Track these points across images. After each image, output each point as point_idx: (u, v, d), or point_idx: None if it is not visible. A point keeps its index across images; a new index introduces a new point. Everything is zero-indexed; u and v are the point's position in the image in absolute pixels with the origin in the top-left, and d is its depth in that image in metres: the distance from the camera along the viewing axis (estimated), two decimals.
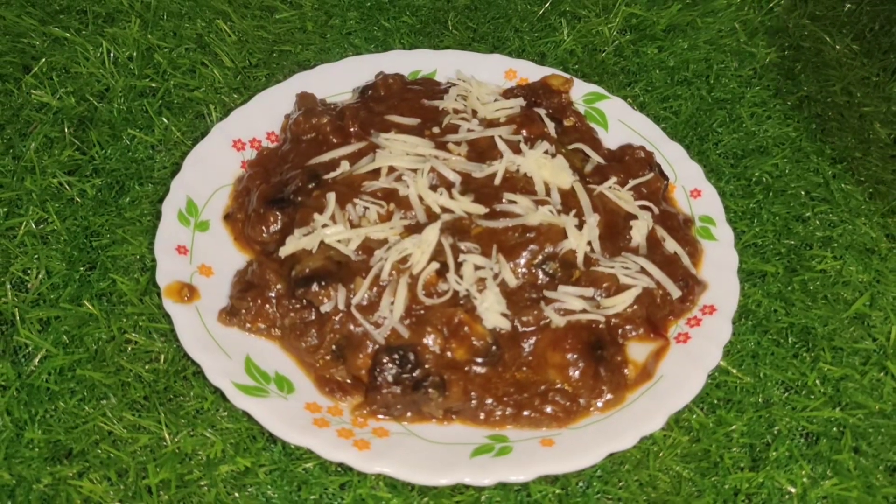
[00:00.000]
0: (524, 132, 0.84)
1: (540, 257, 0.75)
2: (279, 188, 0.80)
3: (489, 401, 0.70)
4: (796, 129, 0.94)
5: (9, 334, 0.73)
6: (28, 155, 0.85)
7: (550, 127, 0.86)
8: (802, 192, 0.89)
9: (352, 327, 0.71)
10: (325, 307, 0.72)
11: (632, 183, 0.83)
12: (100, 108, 0.90)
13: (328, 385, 0.71)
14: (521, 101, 0.88)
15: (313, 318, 0.72)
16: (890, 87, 1.00)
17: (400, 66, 0.93)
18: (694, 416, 0.72)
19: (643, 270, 0.76)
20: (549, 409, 0.70)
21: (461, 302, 0.72)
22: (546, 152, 0.81)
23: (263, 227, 0.78)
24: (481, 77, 0.92)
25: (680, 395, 0.70)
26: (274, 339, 0.74)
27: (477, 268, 0.73)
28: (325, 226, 0.75)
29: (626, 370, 0.72)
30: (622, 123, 0.91)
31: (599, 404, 0.71)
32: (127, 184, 0.84)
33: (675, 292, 0.76)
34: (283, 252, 0.75)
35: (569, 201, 0.79)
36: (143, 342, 0.73)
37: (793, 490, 0.68)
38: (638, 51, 1.02)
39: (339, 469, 0.68)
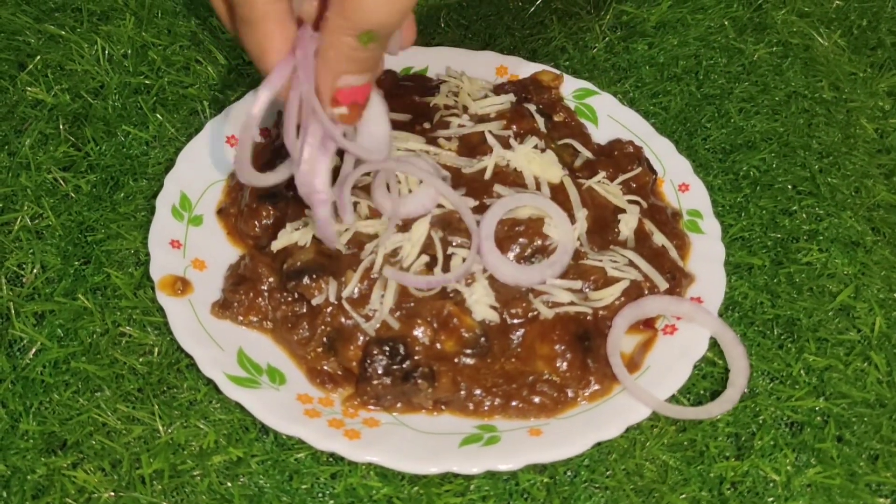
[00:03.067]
0: (514, 127, 0.85)
1: (529, 250, 0.76)
2: None
3: (478, 391, 0.71)
4: (784, 125, 0.95)
5: (4, 328, 0.74)
6: (23, 151, 0.86)
7: (540, 122, 0.86)
8: (789, 186, 0.90)
9: (342, 320, 0.72)
10: (317, 300, 0.72)
11: (621, 177, 0.84)
12: (94, 104, 0.91)
13: (319, 376, 0.72)
14: (511, 97, 0.89)
15: (305, 310, 0.73)
16: (876, 82, 1.01)
17: (392, 62, 0.94)
18: None
19: (631, 263, 0.77)
20: (537, 400, 0.71)
21: (451, 295, 0.73)
22: (535, 147, 0.82)
23: (256, 222, 0.79)
24: (472, 73, 0.93)
25: (666, 386, 0.71)
26: (266, 332, 0.74)
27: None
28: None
29: None
30: (612, 119, 0.92)
31: (587, 394, 0.72)
32: (121, 179, 0.85)
33: (663, 285, 0.77)
34: (275, 246, 0.76)
35: (558, 196, 0.79)
36: (137, 335, 0.74)
37: (777, 478, 0.69)
38: (628, 47, 1.03)
39: (330, 459, 0.69)
